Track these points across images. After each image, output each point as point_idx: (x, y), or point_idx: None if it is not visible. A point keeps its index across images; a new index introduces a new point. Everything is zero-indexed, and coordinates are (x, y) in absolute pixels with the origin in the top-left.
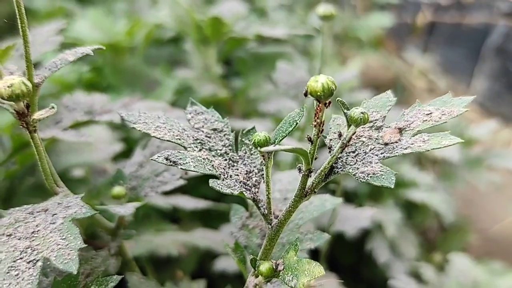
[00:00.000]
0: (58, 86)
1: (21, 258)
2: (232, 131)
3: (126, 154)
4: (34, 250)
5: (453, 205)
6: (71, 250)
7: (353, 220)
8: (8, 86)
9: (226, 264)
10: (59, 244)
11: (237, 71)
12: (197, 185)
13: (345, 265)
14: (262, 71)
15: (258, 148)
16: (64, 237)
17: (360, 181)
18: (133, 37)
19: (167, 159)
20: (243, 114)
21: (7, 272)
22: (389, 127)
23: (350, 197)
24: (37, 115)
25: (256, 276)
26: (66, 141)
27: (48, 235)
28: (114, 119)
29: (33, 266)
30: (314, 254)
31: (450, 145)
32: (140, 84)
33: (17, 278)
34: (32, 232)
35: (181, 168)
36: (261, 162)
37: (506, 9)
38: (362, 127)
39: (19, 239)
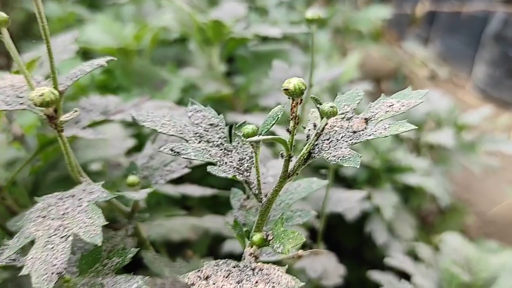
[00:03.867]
0: (74, 89)
1: (55, 235)
2: (227, 125)
3: (138, 149)
4: (65, 228)
5: (449, 188)
6: (96, 227)
7: (345, 201)
8: (40, 95)
9: (233, 246)
10: (85, 223)
11: (239, 69)
12: (204, 177)
13: (348, 248)
14: (262, 68)
15: (246, 139)
16: (89, 216)
17: (332, 163)
18: (141, 40)
19: (171, 150)
20: (245, 109)
21: (44, 246)
22: (358, 117)
23: (350, 183)
24: (64, 117)
25: (251, 246)
26: (84, 139)
27: (76, 215)
28: (126, 118)
29: (65, 240)
30: (313, 235)
31: (405, 131)
32: (149, 84)
33: (53, 250)
34: (63, 214)
35: (183, 158)
36: (251, 151)
37: None
38: (335, 118)
39: (52, 220)
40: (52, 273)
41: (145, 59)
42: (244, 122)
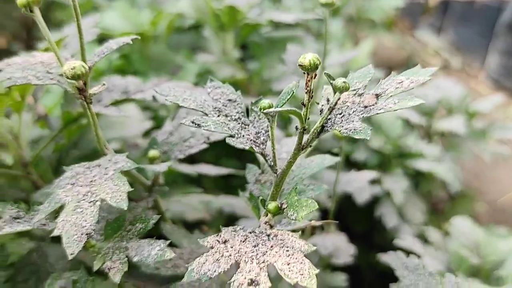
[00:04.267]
0: (93, 73)
1: (83, 200)
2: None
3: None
4: (93, 194)
5: (459, 175)
6: (121, 193)
7: (355, 181)
8: (71, 68)
9: (247, 224)
10: (112, 189)
11: (252, 54)
12: (218, 159)
13: (359, 233)
14: (275, 54)
15: (263, 111)
16: (116, 183)
17: (344, 135)
18: (157, 27)
19: (193, 122)
20: (259, 93)
21: (74, 210)
22: (369, 93)
23: (361, 168)
24: (93, 90)
25: (266, 215)
26: (105, 119)
27: (103, 183)
28: (146, 97)
29: (93, 205)
30: (325, 217)
31: (414, 105)
32: (165, 69)
33: (82, 214)
34: (90, 181)
35: (204, 129)
36: (267, 125)
37: None
38: (347, 94)
39: (80, 186)
40: (82, 234)
41: (161, 45)
42: (260, 98)
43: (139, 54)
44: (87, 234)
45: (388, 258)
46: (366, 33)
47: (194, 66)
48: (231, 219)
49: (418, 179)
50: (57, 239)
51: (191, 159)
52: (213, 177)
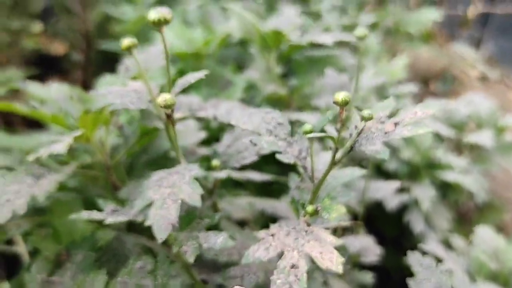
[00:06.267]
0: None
1: (168, 198)
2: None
3: (207, 140)
4: (175, 194)
5: (485, 186)
6: (196, 194)
7: (383, 190)
8: (164, 100)
9: (287, 223)
10: (189, 191)
11: (293, 71)
12: (261, 167)
13: (389, 237)
14: (314, 71)
15: (305, 134)
16: (191, 186)
17: (368, 155)
18: (209, 46)
19: (251, 141)
20: (299, 108)
21: (161, 206)
22: (389, 121)
23: (391, 177)
24: (177, 116)
25: (304, 216)
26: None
27: (182, 186)
28: (208, 116)
29: (175, 202)
30: (355, 220)
31: (424, 133)
32: (216, 84)
33: (167, 209)
34: (172, 184)
35: (259, 147)
36: (308, 144)
37: None
38: (372, 122)
39: (165, 188)
40: (168, 224)
41: (212, 61)
42: (303, 122)
43: (193, 70)
44: (171, 224)
45: (408, 258)
46: (404, 46)
47: (241, 82)
48: (270, 219)
49: (446, 189)
50: (132, 230)
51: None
52: (254, 182)
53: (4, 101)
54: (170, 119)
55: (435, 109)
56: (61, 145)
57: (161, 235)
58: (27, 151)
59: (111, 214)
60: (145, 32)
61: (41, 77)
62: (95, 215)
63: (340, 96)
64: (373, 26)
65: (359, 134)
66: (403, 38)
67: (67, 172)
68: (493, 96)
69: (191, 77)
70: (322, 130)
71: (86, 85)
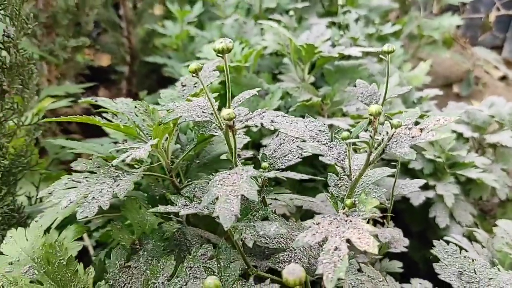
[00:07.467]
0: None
1: (230, 194)
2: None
3: (249, 143)
4: (235, 191)
5: (508, 182)
6: (253, 190)
7: (409, 186)
8: (227, 114)
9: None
10: (247, 188)
11: (325, 80)
12: (296, 167)
13: (415, 231)
14: (345, 80)
15: (343, 140)
16: (249, 185)
17: (398, 156)
18: (248, 59)
19: (298, 146)
20: (330, 114)
21: (225, 201)
22: (416, 128)
23: (417, 175)
24: (237, 126)
25: (343, 208)
26: (218, 137)
27: (241, 184)
28: (255, 124)
29: (236, 198)
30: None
31: (445, 137)
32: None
33: (230, 203)
34: (233, 183)
35: (305, 151)
36: (345, 147)
37: None
38: (400, 128)
39: (227, 186)
40: (232, 215)
41: (250, 72)
42: (341, 129)
43: (234, 81)
44: (235, 215)
45: (434, 248)
46: (427, 51)
47: (278, 91)
48: (307, 215)
49: (470, 186)
50: (192, 224)
51: None
52: (291, 180)
53: (83, 116)
54: (231, 129)
55: (456, 116)
56: (142, 151)
57: (226, 224)
58: (104, 157)
59: (183, 208)
60: (186, 45)
61: (89, 88)
62: (170, 208)
63: (374, 108)
64: (396, 34)
65: (389, 139)
66: (425, 43)
67: (139, 174)
68: None
69: (246, 94)
70: (357, 137)
71: (131, 95)
